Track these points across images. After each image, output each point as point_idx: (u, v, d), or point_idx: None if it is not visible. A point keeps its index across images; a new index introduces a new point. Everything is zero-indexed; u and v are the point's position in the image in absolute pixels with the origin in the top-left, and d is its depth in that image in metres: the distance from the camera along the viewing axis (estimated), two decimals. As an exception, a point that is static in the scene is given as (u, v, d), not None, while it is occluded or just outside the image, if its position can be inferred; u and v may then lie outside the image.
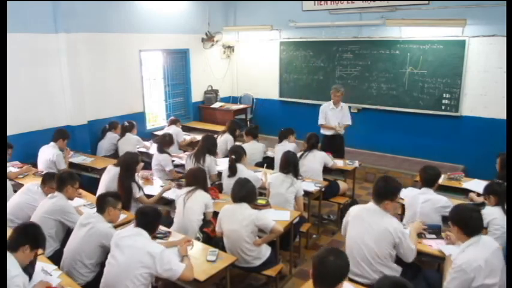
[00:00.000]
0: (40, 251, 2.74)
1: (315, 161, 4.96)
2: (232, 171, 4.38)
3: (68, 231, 3.46)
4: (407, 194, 3.79)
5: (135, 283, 2.64)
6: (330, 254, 2.07)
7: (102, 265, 2.92)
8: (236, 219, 3.33)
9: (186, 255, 2.95)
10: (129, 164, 4.15)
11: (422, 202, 3.54)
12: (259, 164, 5.52)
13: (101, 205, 3.19)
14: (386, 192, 2.93)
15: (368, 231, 2.87)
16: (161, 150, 5.18)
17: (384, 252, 2.84)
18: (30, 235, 2.58)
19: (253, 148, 5.55)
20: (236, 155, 4.51)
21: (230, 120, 6.25)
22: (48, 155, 5.07)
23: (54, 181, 3.74)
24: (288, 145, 5.20)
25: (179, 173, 5.18)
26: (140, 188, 4.15)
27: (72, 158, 5.48)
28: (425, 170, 3.69)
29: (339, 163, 5.28)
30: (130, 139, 5.89)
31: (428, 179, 3.63)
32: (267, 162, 5.57)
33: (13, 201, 3.79)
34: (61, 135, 5.27)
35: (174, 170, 5.16)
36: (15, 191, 4.26)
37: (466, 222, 2.64)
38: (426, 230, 3.29)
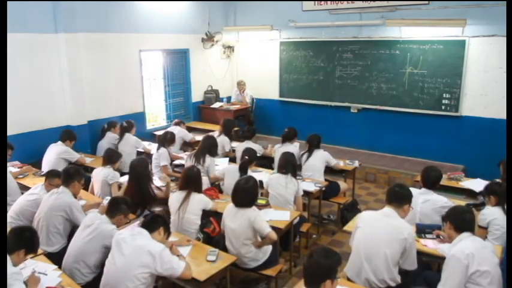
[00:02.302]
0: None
1: (316, 159, 4.97)
2: (244, 170, 4.31)
3: (73, 228, 3.50)
4: None
5: (135, 283, 2.64)
6: (315, 253, 2.13)
7: (102, 266, 2.92)
8: (237, 219, 3.34)
9: (180, 255, 2.95)
10: (142, 172, 4.09)
11: (422, 202, 3.53)
12: (258, 165, 5.51)
13: (113, 210, 3.17)
14: (407, 196, 2.98)
15: (382, 235, 2.83)
16: (160, 147, 5.22)
17: (394, 256, 2.81)
18: (27, 239, 2.61)
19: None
20: (250, 157, 4.52)
21: (223, 120, 6.22)
22: (57, 152, 5.14)
23: (55, 178, 3.78)
24: (291, 147, 5.19)
25: (176, 172, 5.19)
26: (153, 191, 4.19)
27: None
28: (427, 171, 3.67)
29: (339, 163, 5.27)
30: (129, 140, 5.85)
31: (430, 180, 3.62)
32: (265, 163, 5.57)
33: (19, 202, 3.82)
34: (69, 136, 5.35)
35: (168, 168, 5.16)
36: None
37: (458, 218, 2.72)
38: (426, 230, 3.29)
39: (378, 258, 2.82)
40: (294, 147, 5.20)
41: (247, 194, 3.38)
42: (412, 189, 3.90)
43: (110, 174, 4.34)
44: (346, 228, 3.49)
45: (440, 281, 2.60)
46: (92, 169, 5.30)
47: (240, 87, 8.30)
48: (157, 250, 2.68)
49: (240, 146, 5.43)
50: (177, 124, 6.63)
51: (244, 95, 8.26)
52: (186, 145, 6.65)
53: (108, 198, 4.12)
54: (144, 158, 4.47)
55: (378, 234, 2.86)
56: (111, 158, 4.49)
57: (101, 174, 4.37)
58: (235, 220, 3.34)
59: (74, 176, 3.67)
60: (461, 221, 2.70)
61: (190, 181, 3.73)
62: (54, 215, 3.46)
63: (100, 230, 3.04)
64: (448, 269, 2.57)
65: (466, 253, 2.51)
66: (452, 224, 2.72)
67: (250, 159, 4.50)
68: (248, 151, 4.67)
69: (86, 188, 4.55)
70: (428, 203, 3.52)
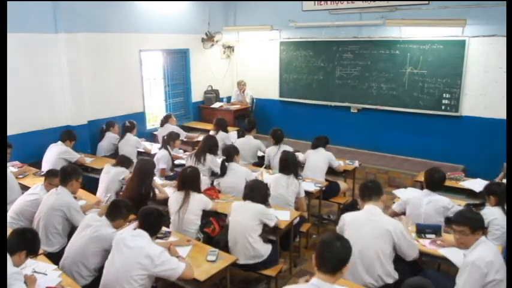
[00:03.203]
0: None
1: (319, 159, 4.97)
2: (222, 171, 4.40)
3: (72, 228, 3.49)
4: (409, 195, 3.77)
5: (132, 284, 2.64)
6: (337, 239, 2.12)
7: (101, 269, 2.91)
8: (242, 212, 3.39)
9: (179, 256, 2.95)
10: (146, 171, 4.10)
11: (426, 204, 3.53)
12: (257, 164, 5.51)
13: (114, 214, 3.15)
14: (380, 187, 3.12)
15: (368, 233, 2.87)
16: (164, 146, 5.27)
17: (385, 251, 2.84)
18: (29, 241, 2.62)
19: (245, 143, 5.55)
20: (227, 155, 4.52)
21: (215, 119, 6.22)
22: (57, 152, 5.15)
23: (56, 178, 3.77)
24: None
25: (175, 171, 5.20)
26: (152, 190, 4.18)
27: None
28: (432, 172, 3.64)
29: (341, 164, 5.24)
30: (130, 140, 5.89)
31: (434, 182, 3.60)
32: (262, 163, 5.57)
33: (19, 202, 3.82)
34: (68, 136, 5.36)
35: (166, 170, 5.17)
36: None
37: (472, 219, 2.65)
38: (426, 230, 3.30)
39: (369, 257, 2.84)
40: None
41: (260, 191, 3.49)
42: (413, 189, 3.92)
43: (120, 170, 4.42)
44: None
45: (456, 287, 2.55)
46: (92, 169, 5.33)
47: (240, 87, 8.29)
48: (156, 253, 2.68)
49: (239, 141, 5.44)
50: (164, 121, 6.57)
51: (244, 94, 8.25)
52: (186, 145, 6.65)
53: (109, 195, 4.11)
54: (152, 160, 4.50)
55: (364, 232, 2.88)
56: (123, 163, 4.54)
57: (111, 173, 4.41)
58: (241, 213, 3.38)
59: (71, 174, 3.67)
60: (475, 222, 2.63)
61: (186, 182, 3.72)
62: (53, 215, 3.47)
63: (99, 233, 3.02)
64: (465, 276, 2.50)
65: (486, 261, 2.46)
66: (468, 226, 2.60)
67: (226, 158, 4.48)
68: (226, 149, 4.65)
69: (85, 188, 4.56)
70: (431, 204, 3.51)
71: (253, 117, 8.11)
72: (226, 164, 4.44)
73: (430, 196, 3.56)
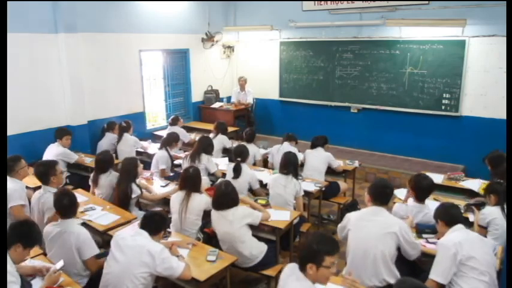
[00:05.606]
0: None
1: (319, 160, 4.97)
2: (237, 172, 4.36)
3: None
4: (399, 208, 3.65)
5: (134, 283, 2.64)
6: (312, 235, 2.26)
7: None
8: (227, 222, 3.33)
9: (179, 255, 2.95)
10: (129, 170, 4.10)
11: (422, 216, 3.42)
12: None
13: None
14: (391, 194, 3.14)
15: (373, 234, 2.86)
16: (161, 148, 5.25)
17: (391, 252, 2.85)
18: (23, 233, 2.56)
19: None
20: (242, 156, 4.49)
21: (216, 123, 6.19)
22: (56, 153, 5.13)
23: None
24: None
25: (175, 172, 5.19)
26: (139, 188, 4.16)
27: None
28: (419, 179, 3.43)
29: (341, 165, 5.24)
30: (127, 140, 5.89)
31: (422, 190, 3.42)
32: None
33: None
34: (63, 133, 5.33)
35: (166, 171, 5.16)
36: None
37: (446, 214, 2.87)
38: (424, 230, 3.30)
39: (375, 258, 2.83)
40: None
41: (228, 198, 3.38)
42: (411, 204, 3.71)
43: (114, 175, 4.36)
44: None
45: (431, 269, 2.69)
46: (91, 169, 5.30)
47: (240, 83, 8.17)
48: (157, 250, 2.69)
49: None
50: (173, 123, 6.61)
51: (245, 92, 8.16)
52: (186, 145, 6.65)
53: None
54: (135, 158, 4.48)
55: (370, 233, 2.88)
56: (106, 163, 4.44)
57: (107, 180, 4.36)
58: (225, 223, 3.33)
59: (48, 172, 3.60)
60: (449, 216, 2.84)
61: (187, 181, 3.73)
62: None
63: (68, 233, 2.94)
64: (437, 257, 2.69)
65: (453, 241, 2.63)
66: (443, 221, 2.86)
67: (242, 159, 4.46)
68: (239, 150, 4.60)
69: (85, 188, 4.56)
70: (428, 214, 3.36)
71: (253, 118, 8.10)
72: (241, 165, 4.40)
73: (425, 209, 3.42)
